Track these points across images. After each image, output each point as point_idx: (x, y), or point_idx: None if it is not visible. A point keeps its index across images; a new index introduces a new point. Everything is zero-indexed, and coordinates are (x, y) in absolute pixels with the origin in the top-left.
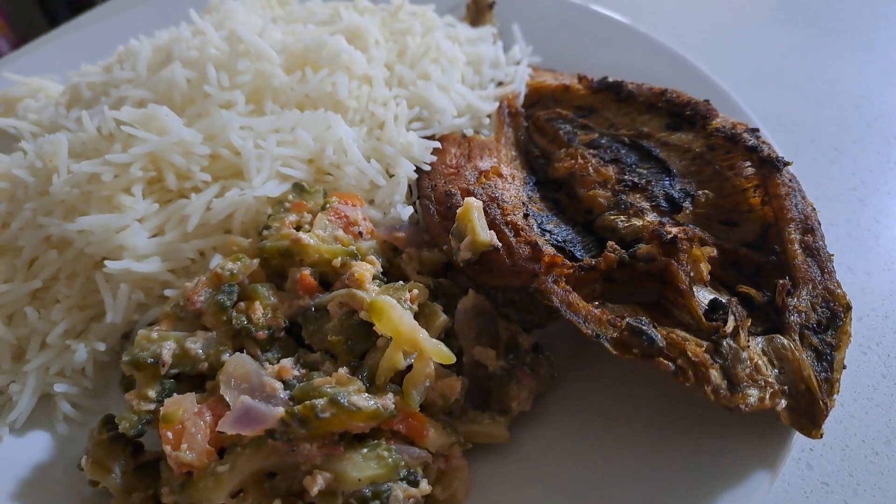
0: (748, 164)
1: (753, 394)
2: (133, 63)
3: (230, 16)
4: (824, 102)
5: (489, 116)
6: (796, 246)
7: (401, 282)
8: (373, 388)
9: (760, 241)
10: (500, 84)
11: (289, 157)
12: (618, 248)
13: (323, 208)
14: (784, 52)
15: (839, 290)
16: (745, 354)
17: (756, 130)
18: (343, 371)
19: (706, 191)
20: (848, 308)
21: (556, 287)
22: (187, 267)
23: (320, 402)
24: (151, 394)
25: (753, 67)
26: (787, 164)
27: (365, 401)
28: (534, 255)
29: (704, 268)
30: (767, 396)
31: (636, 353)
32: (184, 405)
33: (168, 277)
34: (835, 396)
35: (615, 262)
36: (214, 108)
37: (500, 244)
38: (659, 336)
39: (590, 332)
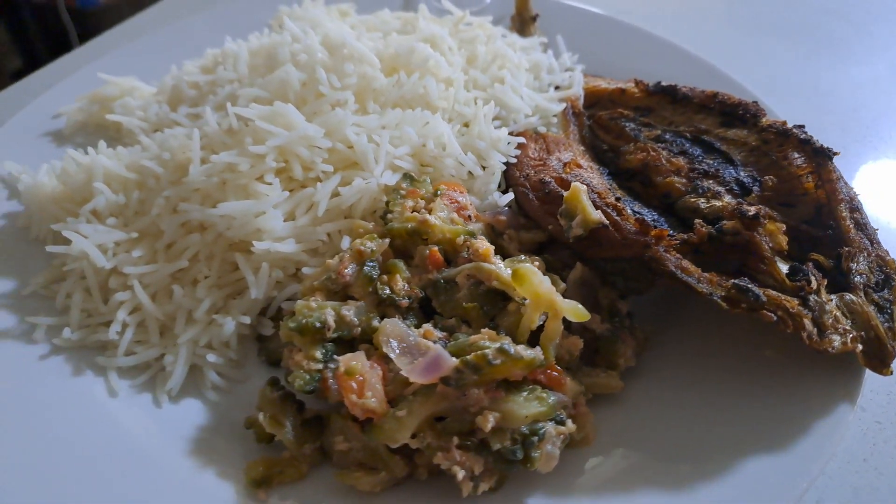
0: (799, 154)
1: (837, 339)
2: (234, 64)
3: (319, 23)
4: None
5: (555, 116)
6: (848, 221)
7: (522, 256)
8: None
9: (815, 219)
10: (557, 88)
11: (398, 150)
12: (705, 224)
13: (435, 195)
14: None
15: (888, 257)
16: (828, 307)
17: (802, 126)
18: (486, 331)
19: (770, 176)
20: None
21: (668, 255)
22: (316, 248)
23: (490, 351)
24: (318, 355)
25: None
26: (835, 154)
27: (526, 350)
28: (641, 229)
29: (782, 239)
30: (848, 341)
31: (743, 308)
32: (360, 360)
33: (303, 258)
34: None
35: (706, 235)
36: (327, 106)
37: (607, 221)
38: (761, 293)
39: (705, 290)
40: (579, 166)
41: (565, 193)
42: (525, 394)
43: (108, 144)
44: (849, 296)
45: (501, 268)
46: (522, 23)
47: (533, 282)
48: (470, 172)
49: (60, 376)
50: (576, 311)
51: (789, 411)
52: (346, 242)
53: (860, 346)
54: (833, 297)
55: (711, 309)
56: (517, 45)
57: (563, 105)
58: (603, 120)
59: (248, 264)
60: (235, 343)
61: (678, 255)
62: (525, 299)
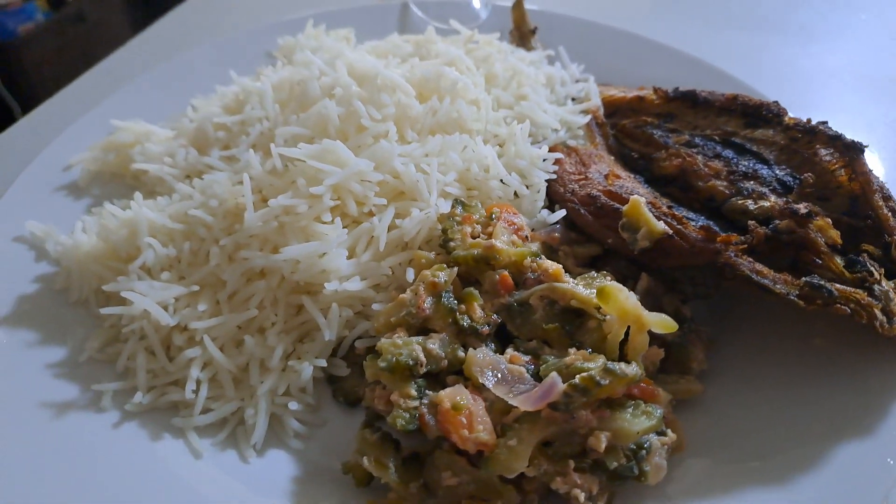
0: (828, 149)
1: None
2: (261, 102)
3: (339, 53)
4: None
5: (580, 129)
6: (885, 210)
7: (593, 272)
8: None
9: (852, 210)
10: (573, 100)
11: (447, 177)
12: (759, 225)
13: (490, 218)
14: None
15: None
16: (892, 295)
17: (825, 123)
18: (579, 352)
19: (809, 173)
20: None
21: (741, 259)
22: (379, 283)
23: (595, 372)
24: (414, 392)
25: None
26: (866, 147)
27: (629, 368)
28: (708, 236)
29: (834, 233)
30: None
31: (819, 304)
32: (462, 394)
33: (370, 294)
34: None
35: (763, 236)
36: (369, 139)
37: (671, 231)
38: (833, 288)
39: (782, 291)
40: (619, 177)
41: (622, 207)
42: (630, 409)
43: (134, 196)
44: None
45: (576, 286)
46: (522, 37)
47: (619, 298)
48: (515, 193)
49: (138, 443)
50: (664, 323)
51: (862, 396)
52: (410, 275)
53: None
54: (889, 283)
55: (757, 307)
56: (526, 59)
57: (588, 117)
58: (628, 129)
59: (315, 306)
60: (312, 388)
61: (750, 259)
62: (605, 315)
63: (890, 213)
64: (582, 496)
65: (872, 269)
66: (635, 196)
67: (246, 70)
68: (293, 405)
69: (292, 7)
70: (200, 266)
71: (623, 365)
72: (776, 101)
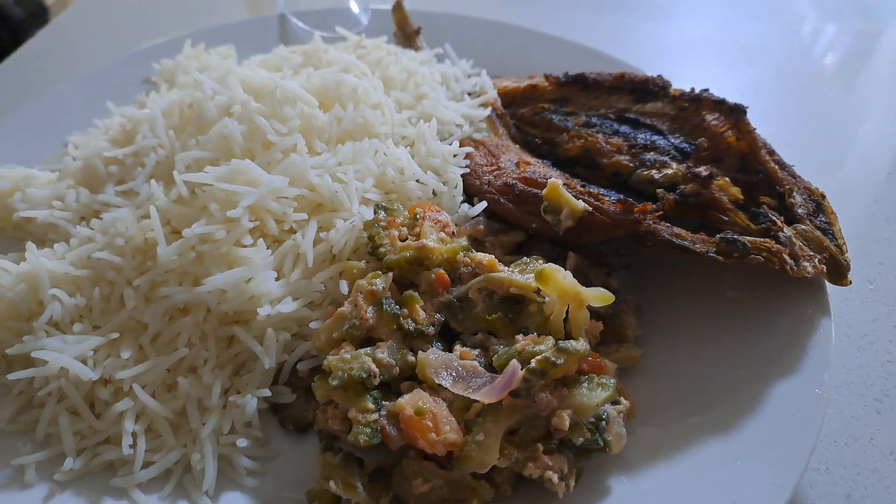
0: (714, 113)
1: (808, 265)
2: (152, 129)
3: (231, 71)
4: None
5: (483, 122)
6: (772, 164)
7: (524, 257)
8: None
9: (743, 167)
10: (469, 95)
11: (365, 184)
12: (666, 192)
13: (415, 220)
14: None
15: (812, 186)
16: (795, 240)
17: (707, 90)
18: (521, 337)
19: (702, 139)
20: (823, 196)
21: (660, 226)
22: (312, 301)
23: (550, 353)
24: (371, 405)
25: None
26: (747, 108)
27: (578, 345)
28: (625, 208)
29: (735, 190)
30: (816, 263)
31: (735, 257)
32: (422, 398)
33: (304, 313)
34: (847, 255)
35: (673, 202)
36: (278, 154)
37: (591, 208)
38: (746, 241)
39: (701, 249)
40: (529, 164)
41: (540, 192)
42: (585, 384)
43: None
44: (800, 226)
45: (512, 273)
46: (406, 38)
47: (557, 278)
48: (434, 191)
49: None
50: (602, 296)
51: (780, 338)
52: (344, 287)
53: (824, 267)
54: (792, 229)
55: (670, 271)
56: (417, 59)
57: (488, 110)
58: (527, 117)
59: (249, 335)
60: (258, 421)
61: (668, 224)
62: (545, 297)
63: (777, 166)
64: (555, 477)
65: (774, 218)
66: (552, 179)
67: (124, 100)
68: (241, 442)
69: (144, 34)
70: (115, 312)
71: (573, 342)
72: (660, 75)
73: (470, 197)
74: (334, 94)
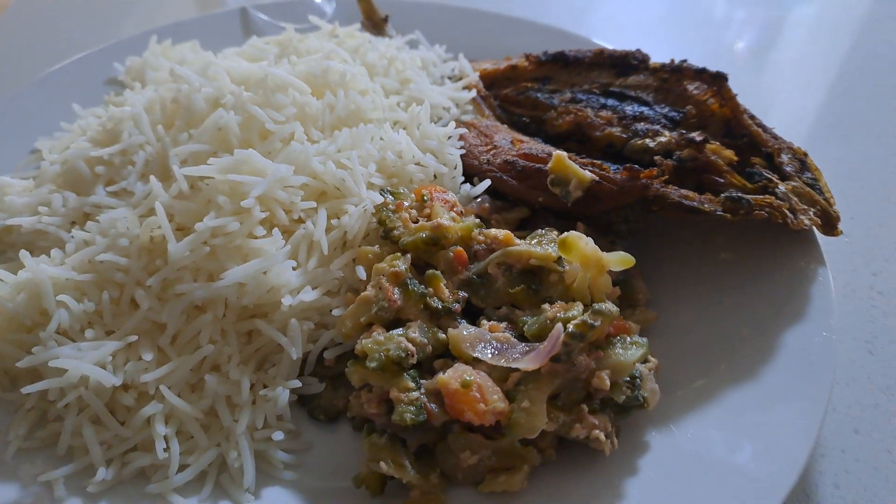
0: (696, 82)
1: (805, 218)
2: (138, 126)
3: (212, 63)
4: None
5: (469, 104)
6: (755, 127)
7: (539, 230)
8: None
9: (727, 132)
10: (450, 79)
11: (369, 169)
12: (664, 159)
13: (422, 202)
14: None
15: (795, 146)
16: (790, 194)
17: (685, 60)
18: (547, 306)
19: (689, 106)
20: (805, 154)
21: (668, 189)
22: (330, 289)
23: (587, 316)
24: (411, 384)
25: None
26: (727, 75)
27: (611, 307)
28: (631, 175)
29: (729, 153)
30: (812, 216)
31: (742, 214)
32: (465, 370)
33: (325, 301)
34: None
35: (672, 167)
36: (277, 143)
37: (597, 178)
38: (750, 199)
39: (709, 209)
40: (522, 141)
41: (544, 166)
42: (619, 345)
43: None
44: (791, 183)
45: (530, 245)
46: (375, 26)
47: (580, 246)
48: (434, 174)
49: None
50: (623, 259)
51: (780, 289)
52: (361, 273)
53: (819, 220)
54: (787, 184)
55: (661, 238)
56: (392, 46)
57: (473, 92)
58: (511, 97)
59: (271, 327)
60: (289, 413)
61: (675, 187)
62: (564, 266)
63: (760, 129)
64: (602, 436)
65: (770, 176)
66: (558, 151)
67: (86, 102)
68: (277, 435)
69: (92, 36)
70: (127, 314)
71: (606, 304)
72: (639, 49)
73: (468, 178)
74: (322, 81)
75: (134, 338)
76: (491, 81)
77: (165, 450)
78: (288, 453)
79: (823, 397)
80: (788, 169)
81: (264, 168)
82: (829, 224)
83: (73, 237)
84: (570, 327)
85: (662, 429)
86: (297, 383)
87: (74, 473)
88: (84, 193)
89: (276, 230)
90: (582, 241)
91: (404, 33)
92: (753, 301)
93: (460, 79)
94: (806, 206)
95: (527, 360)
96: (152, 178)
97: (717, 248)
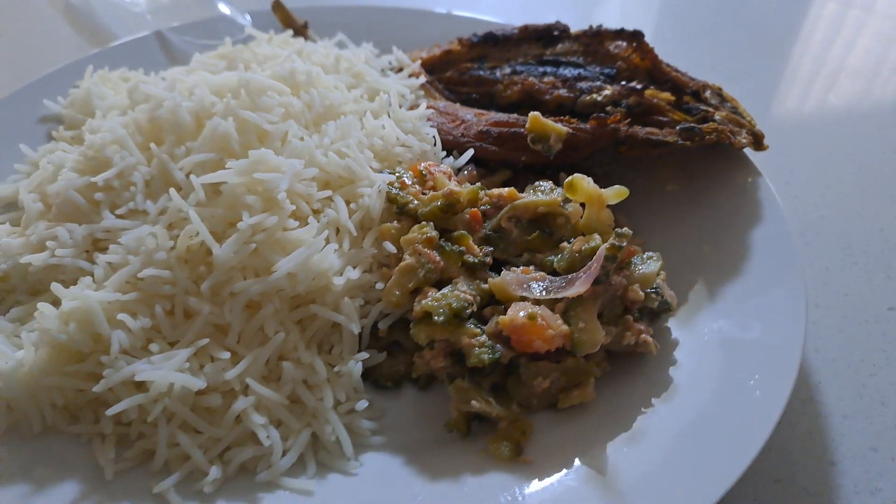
0: (615, 42)
1: (741, 138)
2: (126, 148)
3: (178, 79)
4: None
5: (420, 90)
6: (675, 73)
7: (538, 182)
8: None
9: (652, 81)
10: (391, 70)
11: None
12: (614, 108)
13: (422, 177)
14: None
15: (709, 83)
16: (726, 120)
17: (601, 25)
18: (566, 244)
19: (619, 62)
20: (720, 88)
21: (634, 129)
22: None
23: (614, 240)
24: (477, 330)
25: None
26: (643, 32)
27: (626, 230)
28: (599, 123)
29: (666, 95)
30: (745, 135)
31: (697, 140)
32: (521, 307)
33: (367, 278)
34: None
35: (625, 114)
36: (277, 143)
37: (571, 129)
38: (700, 128)
39: (672, 139)
40: (483, 114)
41: (520, 129)
42: (639, 261)
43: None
44: (720, 112)
45: (534, 195)
46: (298, 33)
47: (584, 185)
48: (421, 149)
49: None
50: (620, 192)
51: (732, 202)
52: (390, 247)
53: (751, 138)
54: (721, 112)
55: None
56: (329, 46)
57: (422, 78)
58: (455, 78)
59: (326, 309)
60: (362, 385)
61: (640, 126)
62: (568, 208)
63: (679, 74)
64: (650, 338)
65: (707, 108)
66: (532, 112)
67: (26, 141)
68: (361, 404)
69: None
70: (184, 323)
71: (624, 228)
72: (558, 21)
73: (447, 153)
74: (291, 82)
75: (205, 341)
76: (429, 68)
77: (268, 437)
78: (374, 421)
79: (799, 276)
80: (714, 102)
81: (280, 165)
82: (758, 142)
83: (96, 264)
84: (603, 251)
85: (684, 328)
86: (364, 355)
87: (181, 482)
88: (85, 222)
89: (310, 219)
90: (585, 181)
91: (327, 37)
92: (708, 218)
93: (401, 69)
94: (737, 129)
95: (575, 287)
96: (171, 190)
97: (665, 182)
